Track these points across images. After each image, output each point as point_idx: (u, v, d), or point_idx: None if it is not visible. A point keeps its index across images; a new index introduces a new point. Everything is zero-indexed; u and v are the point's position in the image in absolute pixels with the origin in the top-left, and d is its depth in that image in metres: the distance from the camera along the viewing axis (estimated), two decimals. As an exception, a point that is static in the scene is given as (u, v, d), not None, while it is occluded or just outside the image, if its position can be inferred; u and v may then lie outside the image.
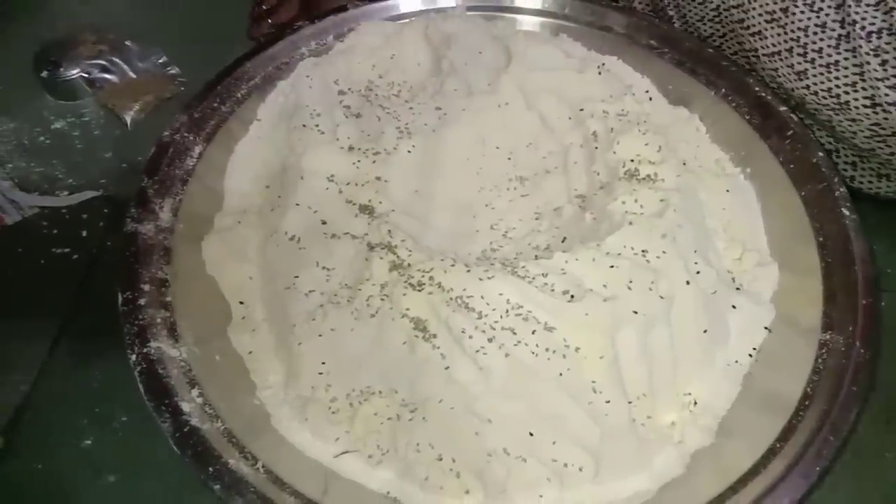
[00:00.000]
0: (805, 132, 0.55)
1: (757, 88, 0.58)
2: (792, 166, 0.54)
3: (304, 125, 0.56)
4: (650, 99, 0.61)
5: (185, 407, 0.42)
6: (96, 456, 0.49)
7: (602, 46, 0.64)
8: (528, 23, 0.66)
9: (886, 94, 0.48)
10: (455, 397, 0.43)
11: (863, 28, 0.48)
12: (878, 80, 0.47)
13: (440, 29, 0.63)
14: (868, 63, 0.47)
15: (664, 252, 0.48)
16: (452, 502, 0.43)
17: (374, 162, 0.55)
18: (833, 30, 0.49)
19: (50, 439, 0.50)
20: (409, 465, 0.43)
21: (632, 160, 0.54)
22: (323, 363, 0.46)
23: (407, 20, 0.65)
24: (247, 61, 0.60)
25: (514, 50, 0.61)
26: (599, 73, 0.61)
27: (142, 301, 0.46)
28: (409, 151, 0.55)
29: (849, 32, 0.48)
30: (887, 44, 0.47)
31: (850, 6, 0.48)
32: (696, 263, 0.49)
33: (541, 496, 0.43)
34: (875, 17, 0.48)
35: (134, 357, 0.44)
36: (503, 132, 0.58)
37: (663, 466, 0.44)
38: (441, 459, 0.43)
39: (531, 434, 0.43)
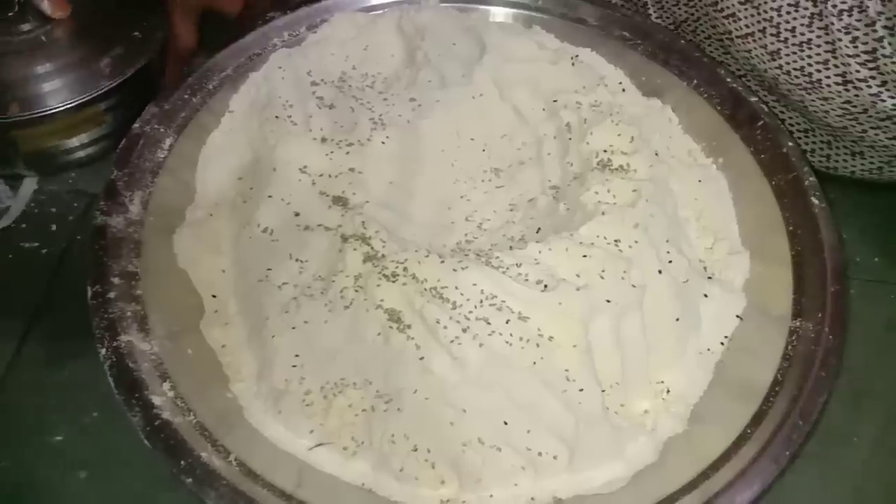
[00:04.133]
0: (775, 122, 0.56)
1: (728, 79, 0.58)
2: (763, 156, 0.55)
3: (276, 116, 0.56)
4: (623, 90, 0.61)
5: (156, 400, 0.42)
6: (67, 452, 0.48)
7: (575, 38, 0.64)
8: (502, 14, 0.66)
9: (857, 71, 0.49)
10: (430, 388, 0.43)
11: (834, 6, 0.49)
12: (849, 56, 0.48)
13: (414, 20, 0.63)
14: (840, 40, 0.48)
15: (636, 241, 0.48)
16: (428, 493, 0.43)
17: (347, 153, 0.54)
18: (806, 9, 0.50)
19: (19, 435, 0.49)
20: (384, 457, 0.43)
21: (605, 151, 0.54)
22: (297, 356, 0.46)
23: (380, 11, 0.64)
24: (218, 52, 0.60)
25: (487, 41, 0.61)
26: (573, 65, 0.61)
27: (111, 294, 0.45)
28: (383, 143, 0.55)
29: (821, 11, 0.49)
30: (858, 21, 0.48)
31: None
32: (668, 252, 0.49)
33: (516, 485, 0.43)
34: None
35: (104, 351, 0.43)
36: (478, 124, 0.58)
37: (636, 454, 0.45)
38: (416, 450, 0.43)
39: (506, 423, 0.43)
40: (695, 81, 0.60)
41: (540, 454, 0.43)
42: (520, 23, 0.66)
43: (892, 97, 0.49)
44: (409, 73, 0.61)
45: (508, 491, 0.43)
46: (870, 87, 0.49)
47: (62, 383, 0.51)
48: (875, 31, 0.47)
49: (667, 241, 0.50)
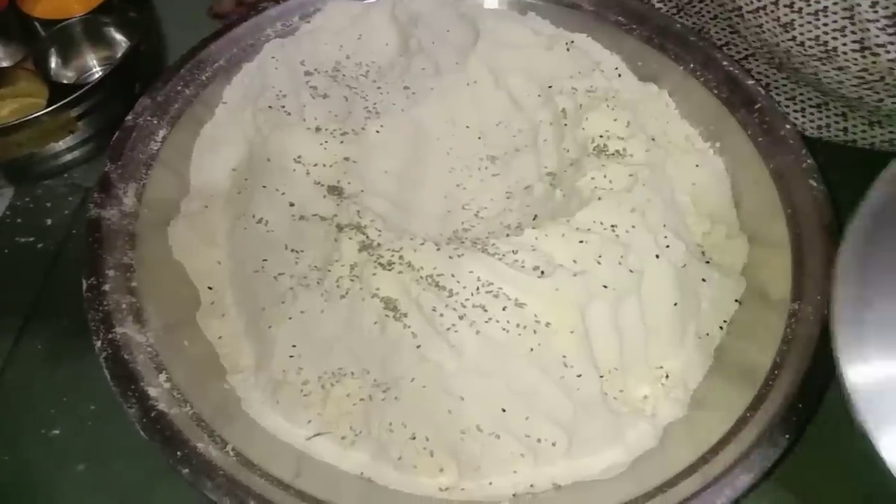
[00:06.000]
0: (773, 105, 0.55)
1: (725, 63, 0.58)
2: (760, 139, 0.54)
3: (270, 107, 0.56)
4: (619, 75, 0.61)
5: (152, 392, 0.42)
6: (65, 445, 0.48)
7: (570, 23, 0.63)
8: (496, 0, 0.65)
9: (877, 36, 0.47)
10: (427, 376, 0.43)
11: None
12: (868, 21, 0.47)
13: (407, 8, 0.63)
14: (858, 5, 0.47)
15: (634, 226, 0.48)
16: (427, 481, 0.43)
17: (342, 142, 0.54)
18: None
19: (16, 430, 0.49)
20: (383, 446, 0.43)
21: (601, 136, 0.54)
22: (294, 346, 0.46)
23: (373, 0, 0.64)
24: (211, 43, 0.59)
25: (481, 28, 0.61)
26: (568, 50, 0.60)
27: (106, 287, 0.45)
28: (377, 132, 0.55)
29: None
30: None
31: None
32: (665, 237, 0.49)
33: (515, 472, 0.43)
34: None
35: (99, 343, 0.43)
36: (473, 111, 0.58)
37: (636, 439, 0.45)
38: (414, 438, 0.43)
39: (504, 410, 0.43)
40: (691, 65, 0.59)
41: (539, 441, 0.43)
42: (514, 9, 0.65)
43: None
44: (403, 62, 0.60)
45: (507, 478, 0.43)
46: (888, 52, 0.48)
47: (59, 377, 0.51)
48: None
49: (664, 225, 0.49)
